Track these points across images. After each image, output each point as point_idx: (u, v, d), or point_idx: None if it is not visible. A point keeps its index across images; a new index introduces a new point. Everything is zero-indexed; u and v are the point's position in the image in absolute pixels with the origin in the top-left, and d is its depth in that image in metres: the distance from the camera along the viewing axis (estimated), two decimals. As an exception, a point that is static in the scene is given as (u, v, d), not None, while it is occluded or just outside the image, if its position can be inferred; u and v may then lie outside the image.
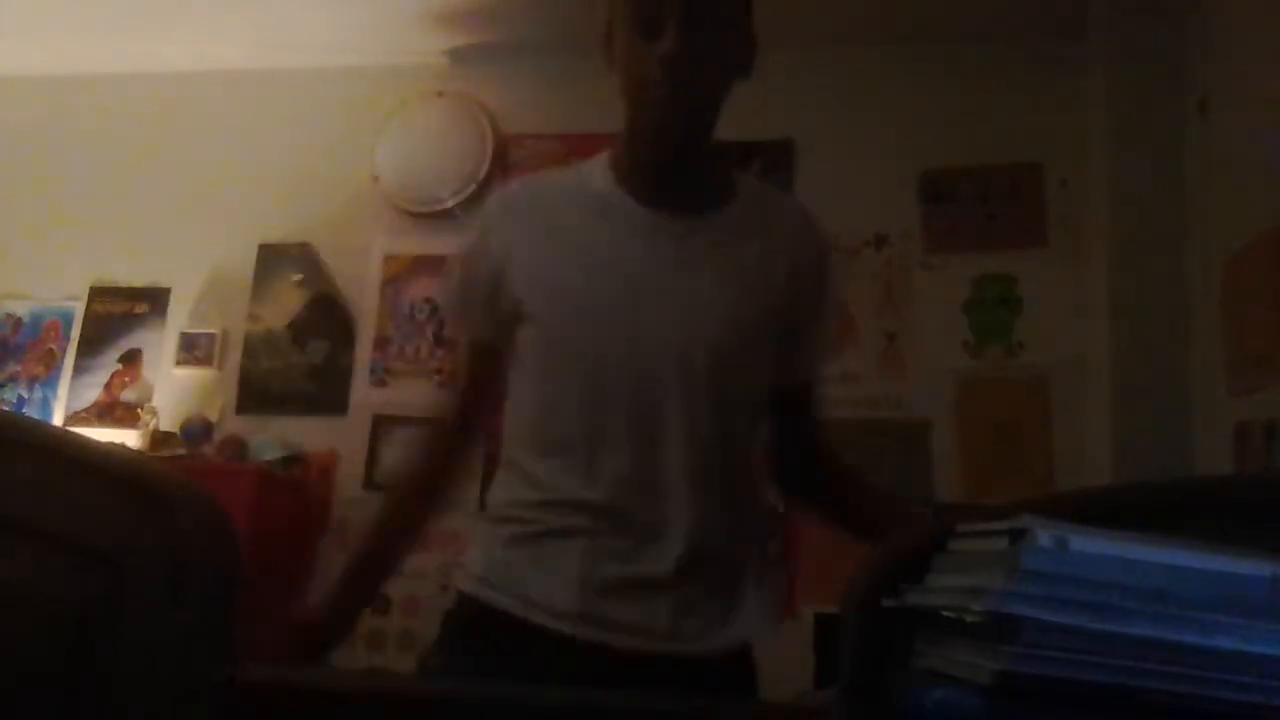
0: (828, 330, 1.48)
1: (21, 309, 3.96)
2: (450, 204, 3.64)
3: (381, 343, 3.67)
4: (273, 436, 3.54)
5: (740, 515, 1.27)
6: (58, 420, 3.76)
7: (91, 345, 3.87)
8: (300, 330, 3.72)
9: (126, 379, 3.81)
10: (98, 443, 0.84)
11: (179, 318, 3.83)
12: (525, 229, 1.29)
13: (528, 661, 1.16)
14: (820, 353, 1.43)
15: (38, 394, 3.86)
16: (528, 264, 1.27)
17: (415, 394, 3.46)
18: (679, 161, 1.27)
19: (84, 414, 3.79)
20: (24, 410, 3.72)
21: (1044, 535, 0.62)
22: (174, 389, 3.76)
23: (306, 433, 3.58)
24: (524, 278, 1.26)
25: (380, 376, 3.64)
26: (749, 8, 1.28)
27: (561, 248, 1.27)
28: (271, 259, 3.79)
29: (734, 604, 1.24)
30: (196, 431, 3.51)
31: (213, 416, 3.61)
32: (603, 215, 1.27)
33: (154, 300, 3.87)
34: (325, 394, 3.64)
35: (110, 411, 3.78)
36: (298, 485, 3.46)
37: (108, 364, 3.84)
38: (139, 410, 3.71)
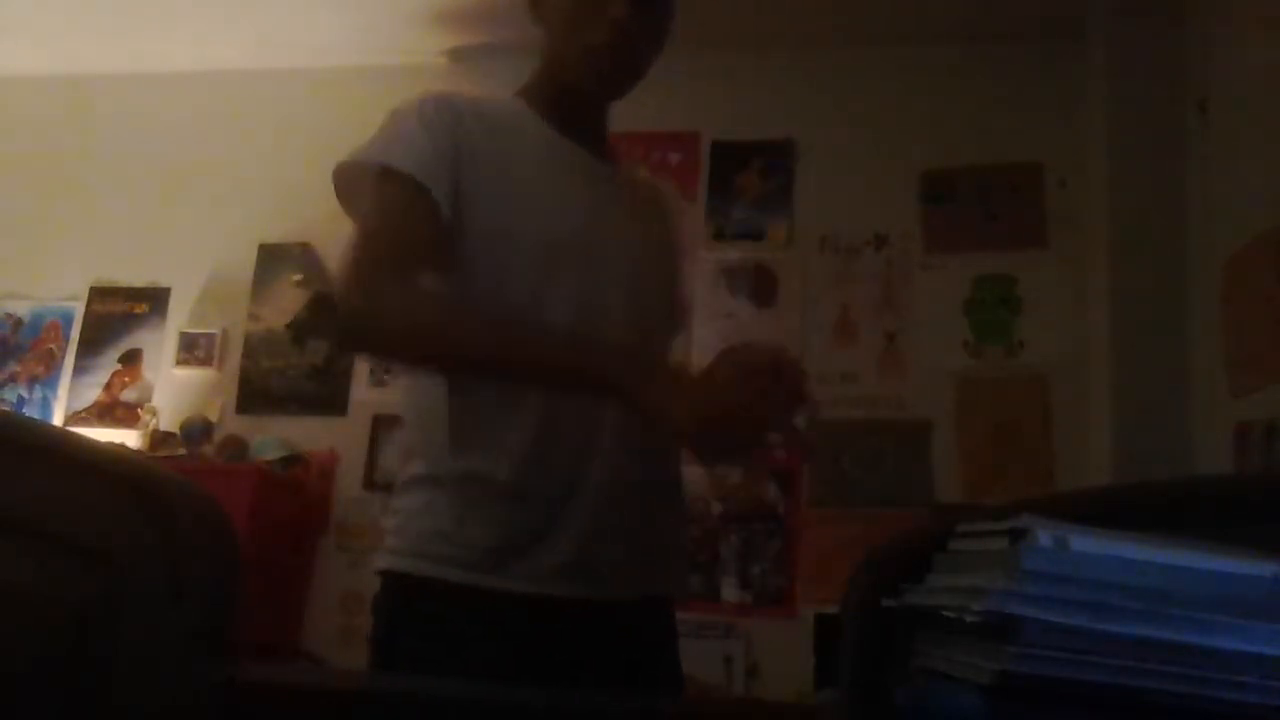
0: (683, 296, 1.47)
1: (21, 309, 3.96)
2: (450, 204, 3.63)
3: (381, 343, 3.67)
4: (273, 436, 3.54)
5: (662, 463, 1.28)
6: (58, 420, 3.76)
7: (91, 345, 3.87)
8: (300, 330, 3.72)
9: (126, 379, 3.81)
10: (98, 443, 0.84)
11: (179, 318, 3.83)
12: (475, 130, 1.23)
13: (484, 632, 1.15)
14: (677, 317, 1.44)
15: (38, 394, 3.87)
16: (481, 167, 1.20)
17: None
18: (600, 116, 1.34)
19: (84, 414, 3.80)
20: (24, 410, 3.73)
21: (1044, 535, 0.62)
22: (174, 389, 3.76)
23: (306, 433, 3.58)
24: (473, 181, 1.19)
25: (380, 376, 3.64)
26: None
27: (517, 165, 1.23)
28: (271, 259, 3.79)
29: (657, 549, 1.26)
30: (196, 431, 3.51)
31: (213, 416, 3.61)
32: (540, 140, 1.28)
33: (154, 300, 3.87)
34: (325, 394, 3.65)
35: (110, 411, 3.78)
36: (298, 485, 3.46)
37: (108, 364, 3.84)
38: (139, 410, 3.71)
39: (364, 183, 1.22)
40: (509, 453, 1.17)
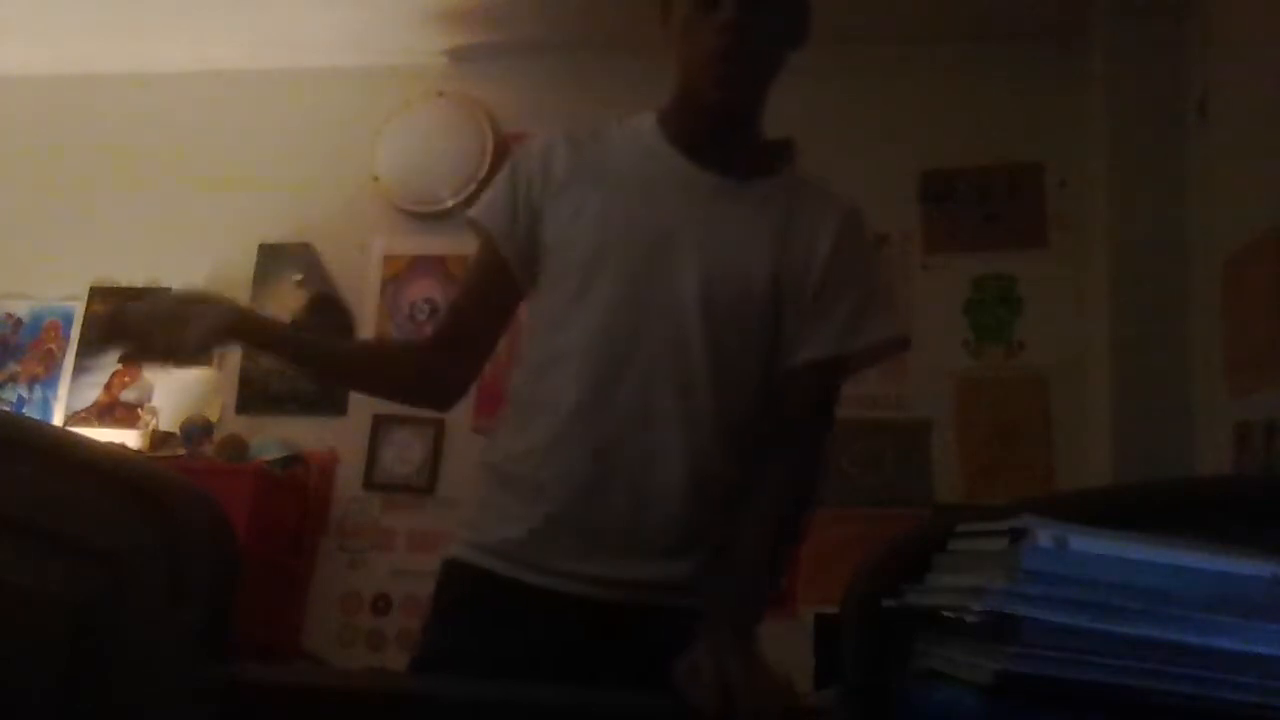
0: (854, 326, 1.31)
1: (21, 309, 3.96)
2: (450, 204, 3.63)
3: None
4: (273, 436, 3.54)
5: (730, 491, 1.25)
6: (58, 420, 3.76)
7: (92, 345, 3.86)
8: (300, 330, 3.72)
9: (126, 379, 3.81)
10: (98, 443, 0.84)
11: (179, 318, 3.82)
12: (570, 161, 1.31)
13: (520, 621, 1.19)
14: (837, 338, 1.30)
15: (38, 394, 3.86)
16: (568, 192, 1.29)
17: (415, 394, 3.46)
18: (727, 129, 1.31)
19: (84, 414, 3.79)
20: (24, 410, 3.72)
21: (1044, 535, 0.62)
22: (174, 389, 3.75)
23: (306, 433, 3.58)
24: (561, 205, 1.29)
25: (381, 376, 3.64)
26: None
27: (602, 183, 1.29)
28: (271, 259, 3.79)
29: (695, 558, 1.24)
30: (196, 431, 3.51)
31: (213, 416, 3.61)
32: (647, 162, 1.31)
33: (154, 300, 3.86)
34: (325, 394, 3.64)
35: (110, 411, 3.78)
36: (298, 485, 3.46)
37: (108, 364, 3.83)
38: (139, 410, 3.71)
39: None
40: (528, 449, 1.25)
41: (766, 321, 1.27)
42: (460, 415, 3.41)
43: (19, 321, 3.95)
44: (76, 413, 3.80)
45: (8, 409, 3.72)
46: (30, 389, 3.87)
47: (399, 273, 3.71)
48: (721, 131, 1.30)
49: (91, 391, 3.83)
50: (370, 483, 3.51)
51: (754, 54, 1.24)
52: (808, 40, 1.32)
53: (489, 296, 1.37)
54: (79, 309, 3.91)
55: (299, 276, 3.74)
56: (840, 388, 1.36)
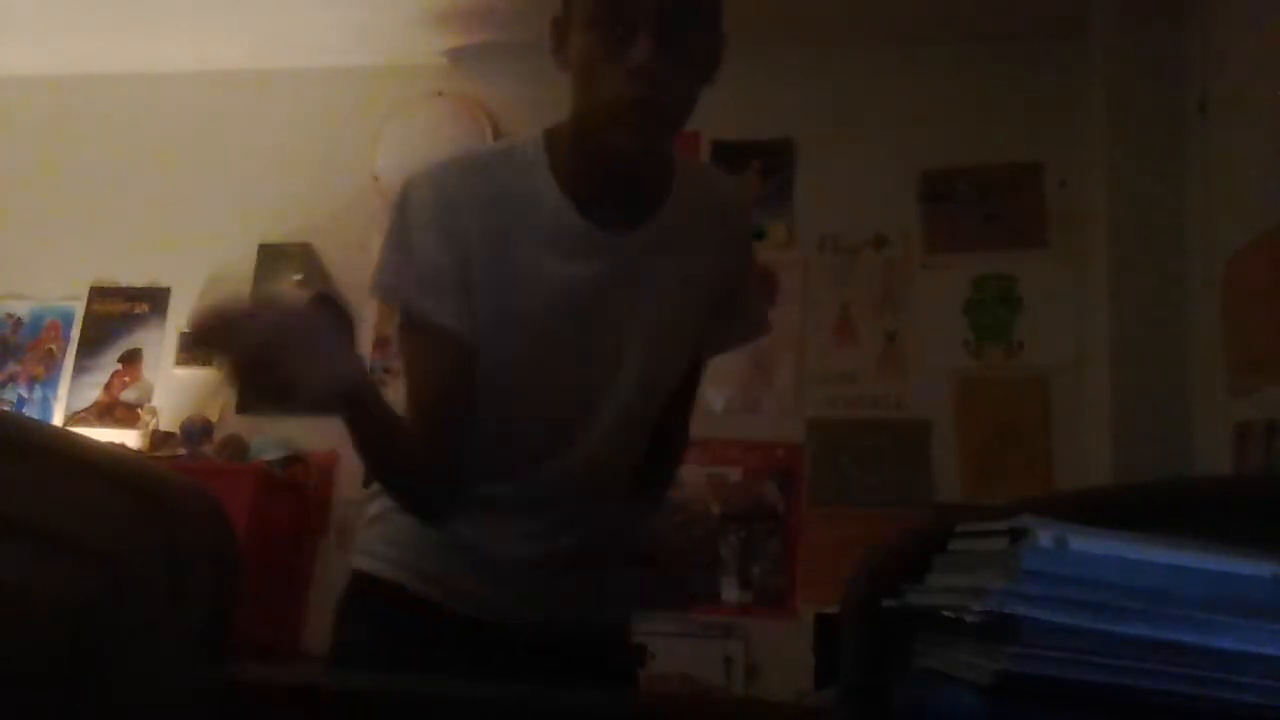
0: (746, 304, 1.37)
1: (21, 309, 3.96)
2: (450, 204, 3.64)
3: (381, 343, 3.67)
4: (273, 436, 3.54)
5: (633, 502, 1.29)
6: (58, 420, 3.76)
7: (91, 345, 3.87)
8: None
9: (126, 379, 3.81)
10: (98, 443, 0.84)
11: (179, 318, 3.83)
12: (478, 229, 1.17)
13: (433, 642, 1.20)
14: (737, 325, 1.36)
15: (38, 394, 3.86)
16: (482, 269, 1.16)
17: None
18: (632, 173, 1.19)
19: (84, 414, 3.79)
20: (24, 410, 3.72)
21: (1044, 535, 0.62)
22: (174, 389, 3.76)
23: (306, 433, 3.58)
24: (480, 282, 1.17)
25: (380, 376, 3.63)
26: (720, 7, 1.17)
27: (510, 264, 1.17)
28: (271, 259, 3.79)
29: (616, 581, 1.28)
30: (196, 431, 3.51)
31: (213, 416, 3.61)
32: (550, 231, 1.17)
33: (154, 300, 3.87)
34: (325, 394, 3.64)
35: (110, 411, 3.78)
36: (298, 485, 3.46)
37: (108, 364, 3.84)
38: (139, 410, 3.71)
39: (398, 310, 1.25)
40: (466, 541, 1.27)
41: (682, 358, 1.30)
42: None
43: (19, 321, 3.95)
44: (76, 413, 3.80)
45: (8, 409, 3.73)
46: (30, 389, 3.87)
47: (399, 273, 3.71)
48: (624, 177, 1.18)
49: (91, 391, 3.83)
50: (370, 483, 3.51)
51: (671, 99, 1.10)
52: (719, 71, 1.17)
53: (464, 378, 1.20)
54: (79, 309, 3.91)
55: (299, 276, 3.74)
56: None
